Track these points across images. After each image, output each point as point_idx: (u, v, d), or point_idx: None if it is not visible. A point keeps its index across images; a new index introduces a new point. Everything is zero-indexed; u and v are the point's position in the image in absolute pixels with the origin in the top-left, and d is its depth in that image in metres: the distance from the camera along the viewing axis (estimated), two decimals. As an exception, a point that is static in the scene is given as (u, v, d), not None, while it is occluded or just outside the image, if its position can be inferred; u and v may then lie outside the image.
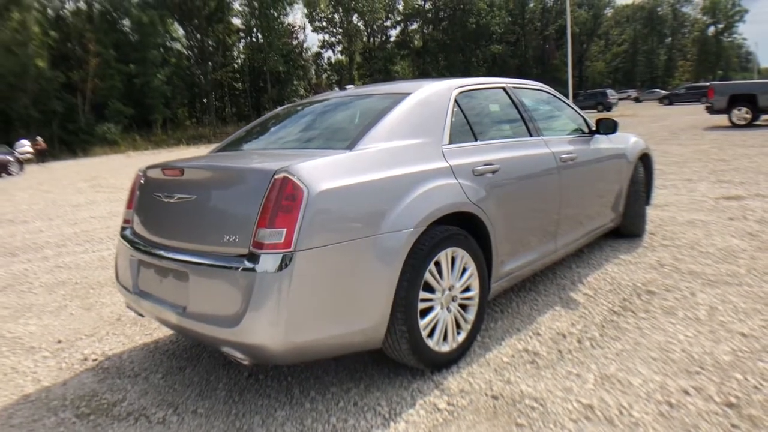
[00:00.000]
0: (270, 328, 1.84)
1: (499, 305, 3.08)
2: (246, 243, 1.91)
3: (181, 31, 44.00)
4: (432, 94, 2.61)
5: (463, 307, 2.48)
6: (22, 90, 31.23)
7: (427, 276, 2.24)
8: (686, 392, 2.05)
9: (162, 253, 2.24)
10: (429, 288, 2.27)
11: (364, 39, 55.12)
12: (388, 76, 51.44)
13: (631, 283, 3.28)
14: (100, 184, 13.63)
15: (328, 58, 56.20)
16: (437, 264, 2.29)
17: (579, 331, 2.67)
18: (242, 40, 48.44)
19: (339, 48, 55.14)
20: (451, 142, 2.53)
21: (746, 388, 2.06)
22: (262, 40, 45.55)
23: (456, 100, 2.69)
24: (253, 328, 1.84)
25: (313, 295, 1.91)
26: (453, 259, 2.37)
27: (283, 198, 1.90)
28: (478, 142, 2.68)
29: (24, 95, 31.33)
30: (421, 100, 2.55)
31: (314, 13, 52.04)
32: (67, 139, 33.09)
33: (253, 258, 1.87)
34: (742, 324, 2.62)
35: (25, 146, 24.60)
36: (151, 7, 38.73)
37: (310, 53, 54.15)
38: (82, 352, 2.90)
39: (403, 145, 2.33)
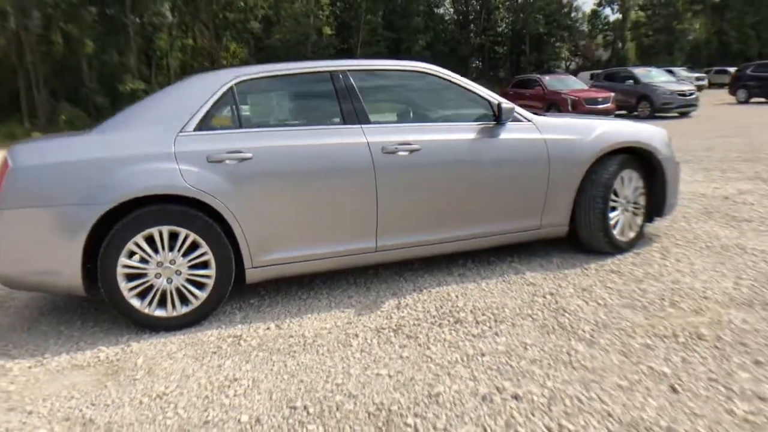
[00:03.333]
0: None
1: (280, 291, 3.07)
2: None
3: (447, -5, 45.84)
4: (197, 83, 2.78)
5: (197, 283, 2.69)
6: (303, 56, 38.00)
7: (132, 246, 2.56)
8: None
9: None
10: (142, 258, 2.59)
11: (644, -8, 47.62)
12: (670, 36, 43.78)
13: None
14: None
15: (605, 17, 50.65)
16: (150, 238, 2.58)
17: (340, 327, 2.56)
18: (507, 2, 47.62)
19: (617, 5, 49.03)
20: (199, 129, 2.68)
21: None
22: (521, 1, 44.07)
23: (232, 89, 2.78)
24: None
25: (15, 242, 2.50)
26: (173, 235, 2.61)
27: (2, 170, 2.52)
28: (238, 130, 2.73)
29: (304, 61, 38.11)
30: (180, 91, 2.75)
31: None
32: (335, 100, 39.10)
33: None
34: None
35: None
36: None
37: (581, 13, 49.76)
38: None
39: (133, 131, 2.64)
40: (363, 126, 2.89)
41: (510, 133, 3.13)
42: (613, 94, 13.18)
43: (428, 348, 2.36)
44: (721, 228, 3.87)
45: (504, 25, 47.69)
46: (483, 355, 2.27)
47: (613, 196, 3.35)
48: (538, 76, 14.56)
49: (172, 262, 2.64)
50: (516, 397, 1.94)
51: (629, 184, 3.42)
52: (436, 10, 45.77)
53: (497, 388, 2.00)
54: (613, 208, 3.37)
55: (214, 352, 2.45)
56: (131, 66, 39.97)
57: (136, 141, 2.61)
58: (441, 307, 2.78)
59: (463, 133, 3.05)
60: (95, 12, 39.26)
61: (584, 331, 2.41)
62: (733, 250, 3.38)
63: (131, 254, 2.57)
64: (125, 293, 2.59)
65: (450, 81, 3.16)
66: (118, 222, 2.53)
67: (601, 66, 34.85)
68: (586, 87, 14.23)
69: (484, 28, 46.16)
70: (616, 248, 3.40)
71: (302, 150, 2.77)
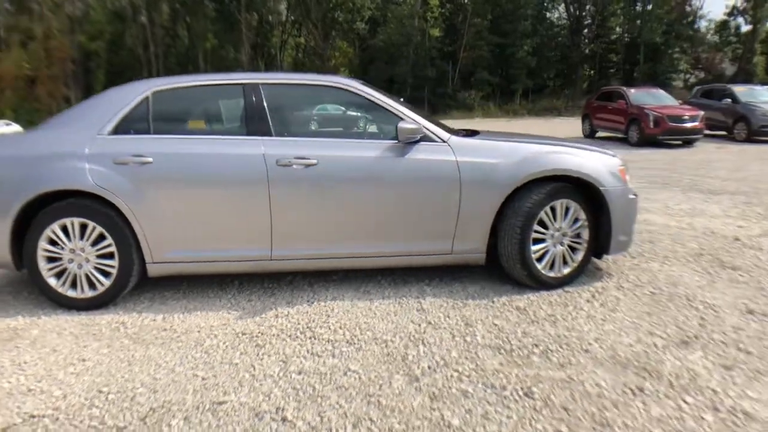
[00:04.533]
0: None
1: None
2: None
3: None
4: (119, 92, 3.08)
5: (103, 271, 3.00)
6: (405, 57, 38.38)
7: (50, 233, 2.92)
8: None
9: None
10: (57, 244, 2.95)
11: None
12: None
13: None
14: None
15: (736, 28, 45.24)
16: (65, 227, 2.93)
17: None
18: (622, 9, 44.35)
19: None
20: (115, 133, 2.98)
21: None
22: (640, 8, 40.71)
23: (147, 98, 3.03)
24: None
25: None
26: (83, 227, 2.94)
27: None
28: (144, 136, 2.98)
29: (405, 62, 38.44)
30: (104, 98, 3.06)
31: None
32: (433, 102, 38.98)
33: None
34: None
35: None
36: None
37: (705, 22, 44.84)
38: None
39: (61, 131, 3.00)
40: (263, 138, 3.01)
41: (417, 152, 3.06)
42: (702, 112, 11.81)
43: (261, 359, 2.43)
44: (692, 274, 3.44)
45: (619, 33, 44.49)
46: (299, 373, 2.30)
47: (539, 227, 3.13)
48: (624, 88, 13.44)
49: (82, 250, 2.96)
50: (285, 419, 1.96)
51: (565, 216, 3.18)
52: (547, 14, 43.96)
53: (277, 409, 2.03)
54: (540, 240, 3.16)
55: (94, 334, 2.73)
56: (243, 61, 43.15)
57: (60, 140, 2.97)
58: (312, 321, 2.82)
59: (366, 150, 3.04)
60: (212, 8, 42.83)
61: (418, 367, 2.33)
62: (678, 301, 3.01)
63: (50, 240, 2.93)
64: (44, 273, 2.96)
65: (366, 98, 3.16)
66: (40, 211, 2.91)
67: (725, 81, 31.24)
68: (676, 104, 12.91)
69: (596, 35, 43.47)
70: (540, 283, 3.18)
71: (200, 158, 2.96)
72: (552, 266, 3.21)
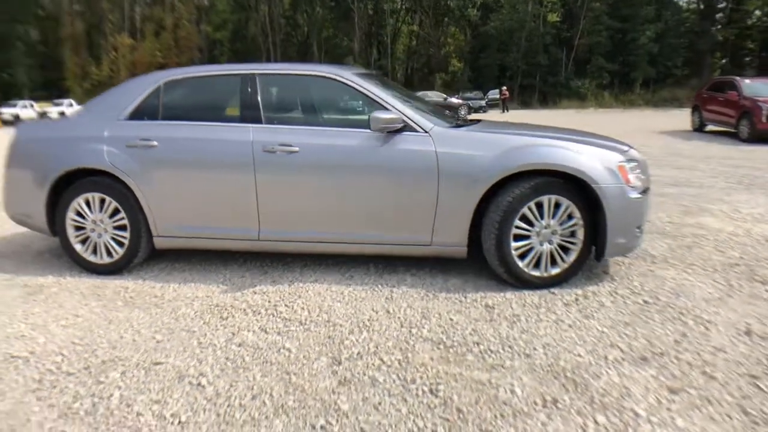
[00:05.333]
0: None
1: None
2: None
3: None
4: (135, 82, 3.42)
5: (118, 241, 3.42)
6: (516, 44, 36.89)
7: (76, 206, 3.39)
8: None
9: None
10: (82, 216, 3.41)
11: None
12: None
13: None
14: None
15: None
16: (88, 201, 3.38)
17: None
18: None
19: None
20: (130, 119, 3.35)
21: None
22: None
23: (159, 87, 3.35)
24: None
25: (15, 191, 3.53)
26: (102, 201, 3.37)
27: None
28: (153, 122, 3.30)
29: (517, 49, 36.96)
30: (127, 87, 3.44)
31: None
32: (545, 91, 37.17)
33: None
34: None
35: (494, 94, 29.86)
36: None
37: None
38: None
39: (84, 118, 3.44)
40: (253, 125, 3.20)
41: (397, 142, 3.06)
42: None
43: (216, 329, 2.64)
44: (709, 285, 3.06)
45: (757, 17, 38.76)
46: (239, 345, 2.47)
47: (522, 223, 2.99)
48: (738, 78, 11.81)
49: (101, 221, 3.39)
50: (199, 384, 2.14)
51: (555, 213, 2.99)
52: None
53: (200, 374, 2.22)
54: (522, 237, 3.01)
55: (98, 295, 3.13)
56: (355, 50, 44.38)
57: (86, 124, 3.41)
58: (281, 300, 2.98)
59: (347, 138, 3.10)
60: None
61: (348, 352, 2.39)
62: (669, 313, 2.71)
63: (77, 212, 3.40)
64: (71, 239, 3.44)
65: (354, 88, 3.21)
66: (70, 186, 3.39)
67: None
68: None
69: (730, 20, 38.32)
70: (521, 281, 3.05)
71: (199, 143, 3.23)
72: (537, 265, 3.05)
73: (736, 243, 3.89)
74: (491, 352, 2.37)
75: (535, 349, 2.38)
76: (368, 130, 3.11)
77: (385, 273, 3.38)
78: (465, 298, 2.98)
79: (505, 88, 30.14)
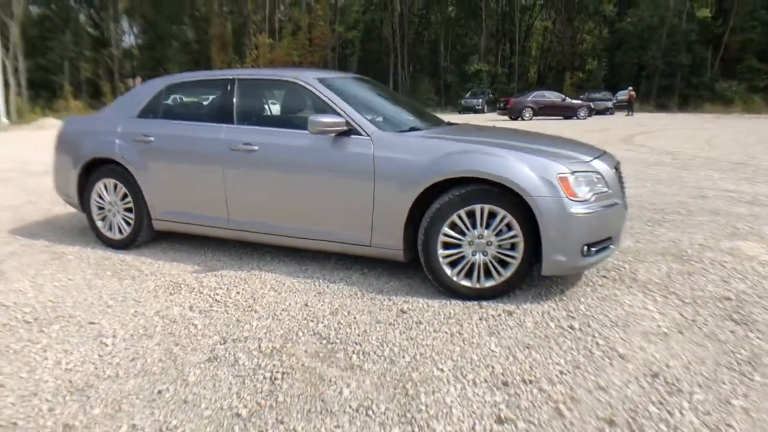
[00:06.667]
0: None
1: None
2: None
3: None
4: (149, 84, 3.95)
5: (127, 222, 4.01)
6: (656, 41, 33.43)
7: (97, 189, 4.04)
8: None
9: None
10: (102, 197, 4.06)
11: None
12: None
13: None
14: (635, 143, 12.87)
15: None
16: (105, 186, 4.02)
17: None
18: None
19: None
20: (140, 117, 3.89)
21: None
22: None
23: (162, 90, 3.84)
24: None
25: (61, 173, 4.31)
26: (115, 186, 3.97)
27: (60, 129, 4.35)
28: (153, 120, 3.79)
29: (656, 47, 33.48)
30: (139, 89, 3.98)
31: None
32: (686, 93, 33.29)
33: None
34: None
35: (623, 95, 27.47)
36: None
37: None
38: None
39: (108, 114, 4.06)
40: (226, 125, 3.55)
41: (340, 145, 3.19)
42: None
43: (157, 302, 3.03)
44: (669, 319, 2.74)
45: None
46: (161, 317, 2.83)
47: (451, 231, 2.95)
48: None
49: (115, 203, 4.00)
50: (102, 342, 2.52)
51: (490, 223, 2.90)
52: None
53: (113, 335, 2.61)
54: (452, 245, 2.97)
55: (99, 265, 3.72)
56: (480, 48, 43.71)
57: (107, 120, 4.04)
58: (229, 284, 3.29)
59: (299, 139, 3.31)
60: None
61: (236, 332, 2.61)
62: (582, 343, 2.51)
63: (98, 194, 4.05)
64: (94, 216, 4.12)
65: (312, 92, 3.39)
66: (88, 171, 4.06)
67: None
68: None
69: None
70: (449, 290, 3.02)
71: (183, 139, 3.68)
72: (468, 275, 2.98)
73: (754, 274, 3.37)
74: (363, 353, 2.43)
75: (403, 357, 2.39)
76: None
77: (337, 270, 3.54)
78: (389, 300, 3.03)
79: (631, 88, 27.64)
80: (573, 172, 2.86)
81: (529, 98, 25.50)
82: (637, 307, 2.89)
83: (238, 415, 1.97)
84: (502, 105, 26.75)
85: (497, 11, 48.35)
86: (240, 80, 3.66)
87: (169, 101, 3.92)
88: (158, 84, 3.98)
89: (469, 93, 36.06)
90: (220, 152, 3.51)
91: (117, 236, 4.05)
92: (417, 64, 50.27)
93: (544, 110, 24.87)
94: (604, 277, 3.39)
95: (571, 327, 2.67)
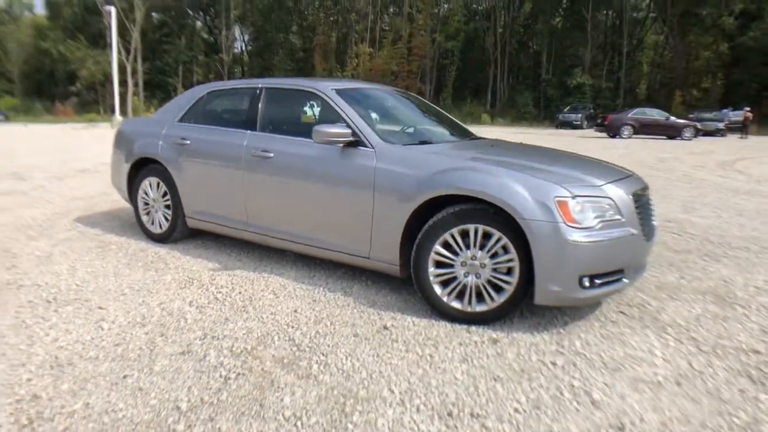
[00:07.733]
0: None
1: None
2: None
3: None
4: (193, 90, 4.25)
5: (166, 218, 4.33)
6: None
7: (142, 186, 4.41)
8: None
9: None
10: (146, 194, 4.43)
11: None
12: None
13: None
14: (733, 168, 11.48)
15: None
16: (150, 183, 4.38)
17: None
18: None
19: None
20: (182, 121, 4.20)
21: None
22: None
23: (204, 96, 4.11)
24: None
25: (115, 167, 4.77)
26: (158, 184, 4.32)
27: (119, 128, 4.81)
28: (192, 124, 4.06)
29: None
30: (185, 94, 4.29)
31: None
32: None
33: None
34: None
35: (737, 116, 24.83)
36: None
37: None
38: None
39: (158, 117, 4.41)
40: (248, 132, 3.72)
41: (346, 156, 3.22)
42: None
43: (167, 294, 3.24)
44: (671, 366, 2.46)
45: None
46: (162, 308, 3.02)
47: (443, 250, 2.86)
48: None
49: (156, 200, 4.34)
50: (101, 327, 2.75)
51: (485, 244, 2.79)
52: None
53: (113, 321, 2.83)
54: (444, 264, 2.87)
55: (134, 255, 4.05)
56: (585, 61, 41.76)
57: (154, 123, 4.39)
58: (236, 285, 3.42)
59: (309, 149, 3.38)
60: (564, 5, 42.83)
61: (216, 329, 2.72)
62: (559, 381, 2.32)
63: (144, 190, 4.42)
64: (140, 210, 4.50)
65: (328, 103, 3.46)
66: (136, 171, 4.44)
67: None
68: None
69: None
70: (438, 310, 2.93)
71: (214, 144, 3.91)
72: (460, 297, 2.87)
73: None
74: (325, 364, 2.43)
75: (360, 373, 2.36)
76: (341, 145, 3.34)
77: (343, 279, 3.56)
78: (377, 315, 3.00)
79: (748, 109, 24.91)
80: (575, 196, 2.66)
81: (629, 115, 23.94)
82: (640, 350, 2.62)
83: (178, 408, 2.06)
84: (599, 121, 25.34)
85: (606, 23, 45.98)
86: (267, 89, 3.83)
87: (208, 107, 4.19)
88: (202, 90, 4.28)
89: (569, 107, 34.61)
90: (242, 157, 3.69)
91: (157, 231, 4.39)
92: (518, 75, 49.09)
93: (646, 129, 23.22)
94: (622, 312, 3.11)
95: (554, 363, 2.48)
